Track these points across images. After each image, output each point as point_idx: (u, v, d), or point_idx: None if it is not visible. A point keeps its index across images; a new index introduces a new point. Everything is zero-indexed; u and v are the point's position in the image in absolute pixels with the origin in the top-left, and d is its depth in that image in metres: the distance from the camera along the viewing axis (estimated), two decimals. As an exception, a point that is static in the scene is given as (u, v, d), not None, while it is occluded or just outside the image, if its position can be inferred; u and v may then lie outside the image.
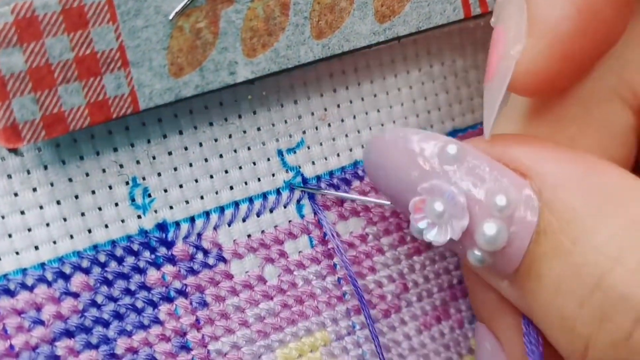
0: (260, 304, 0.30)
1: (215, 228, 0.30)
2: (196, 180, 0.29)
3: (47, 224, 0.27)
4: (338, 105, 0.31)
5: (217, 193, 0.30)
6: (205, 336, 0.29)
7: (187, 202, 0.29)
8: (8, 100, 0.24)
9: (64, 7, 0.25)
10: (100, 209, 0.28)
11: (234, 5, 0.27)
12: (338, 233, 0.32)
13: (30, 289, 0.27)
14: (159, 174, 0.29)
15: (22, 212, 0.27)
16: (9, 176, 0.27)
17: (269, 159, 0.30)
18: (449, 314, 0.34)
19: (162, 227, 0.29)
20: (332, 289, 0.32)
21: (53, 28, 0.24)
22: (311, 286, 0.31)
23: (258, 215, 0.30)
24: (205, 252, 0.29)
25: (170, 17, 0.26)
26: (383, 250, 0.33)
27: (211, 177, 0.29)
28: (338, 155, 0.32)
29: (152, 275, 0.29)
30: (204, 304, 0.29)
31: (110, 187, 0.28)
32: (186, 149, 0.29)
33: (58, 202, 0.27)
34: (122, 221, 0.28)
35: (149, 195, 0.28)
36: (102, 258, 0.28)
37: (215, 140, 0.29)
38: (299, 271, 0.31)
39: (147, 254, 0.29)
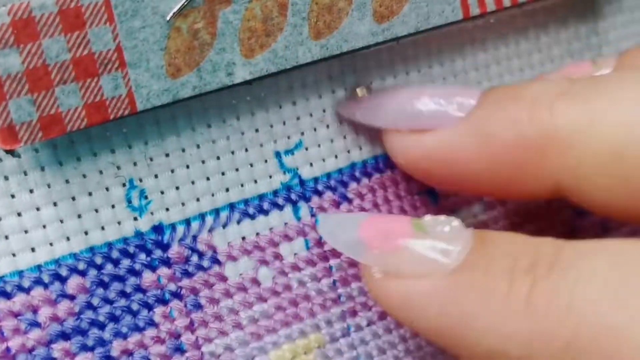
0: (254, 306, 0.30)
1: (210, 230, 0.29)
2: (193, 182, 0.29)
3: (44, 226, 0.27)
4: (337, 106, 0.31)
5: (213, 195, 0.29)
6: (199, 338, 0.29)
7: (183, 204, 0.29)
8: (5, 101, 0.24)
9: (61, 7, 0.24)
10: (96, 210, 0.28)
11: (231, 6, 0.27)
12: None
13: (27, 291, 0.27)
14: (156, 176, 0.28)
15: (19, 214, 0.27)
16: (6, 178, 0.26)
17: (266, 161, 0.30)
18: (447, 316, 0.34)
19: (158, 229, 0.29)
20: (327, 291, 0.31)
21: (50, 29, 0.24)
22: (306, 288, 0.31)
23: (253, 217, 0.30)
24: (200, 255, 0.29)
25: (168, 18, 0.26)
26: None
27: (207, 179, 0.29)
28: (336, 156, 0.31)
29: (148, 277, 0.29)
30: (198, 306, 0.29)
31: (107, 189, 0.28)
32: (183, 150, 0.29)
33: (55, 204, 0.27)
34: (119, 223, 0.28)
35: (146, 197, 0.28)
36: (98, 260, 0.28)
37: (213, 141, 0.29)
38: (294, 273, 0.31)
39: (142, 256, 0.28)
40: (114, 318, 0.28)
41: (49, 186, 0.27)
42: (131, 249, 0.28)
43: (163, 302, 0.29)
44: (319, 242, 0.31)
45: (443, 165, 0.29)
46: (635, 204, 0.26)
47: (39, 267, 0.27)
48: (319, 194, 0.31)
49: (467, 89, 0.30)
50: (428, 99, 0.29)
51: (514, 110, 0.28)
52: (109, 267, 0.28)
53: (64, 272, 0.27)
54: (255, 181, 0.30)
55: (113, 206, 0.28)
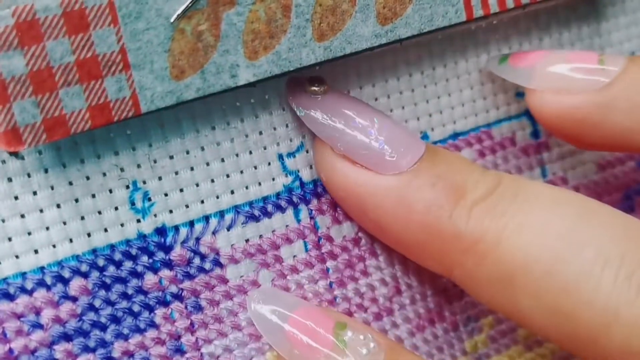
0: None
1: (214, 233, 0.29)
2: (197, 185, 0.29)
3: (47, 228, 0.27)
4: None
5: (217, 197, 0.29)
6: (199, 339, 0.29)
7: (187, 206, 0.29)
8: (9, 103, 0.24)
9: (65, 9, 0.24)
10: (100, 212, 0.28)
11: (235, 8, 0.27)
12: (331, 237, 0.32)
13: (30, 292, 0.27)
14: (160, 178, 0.28)
15: (22, 216, 0.27)
16: (10, 179, 0.26)
17: (269, 163, 0.30)
18: (444, 317, 0.34)
19: (161, 231, 0.29)
20: (323, 293, 0.31)
21: (54, 31, 0.24)
22: (303, 290, 0.31)
23: (257, 220, 0.30)
24: (203, 257, 0.29)
25: (172, 20, 0.26)
26: (376, 253, 0.32)
27: (212, 181, 0.29)
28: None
29: (150, 279, 0.28)
30: (199, 308, 0.29)
31: (110, 191, 0.28)
32: (188, 152, 0.29)
33: (58, 206, 0.27)
34: (122, 225, 0.28)
35: (149, 199, 0.28)
36: (100, 262, 0.28)
37: (217, 144, 0.29)
38: (292, 275, 0.31)
39: (145, 258, 0.28)
40: (115, 319, 0.28)
41: (52, 188, 0.27)
42: (133, 251, 0.28)
43: (164, 303, 0.29)
44: (317, 245, 0.31)
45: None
46: (516, 310, 0.28)
47: (41, 269, 0.27)
48: (318, 196, 0.31)
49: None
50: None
51: (440, 194, 0.29)
52: (111, 269, 0.28)
53: (66, 273, 0.27)
54: (260, 183, 0.30)
55: (116, 208, 0.28)
